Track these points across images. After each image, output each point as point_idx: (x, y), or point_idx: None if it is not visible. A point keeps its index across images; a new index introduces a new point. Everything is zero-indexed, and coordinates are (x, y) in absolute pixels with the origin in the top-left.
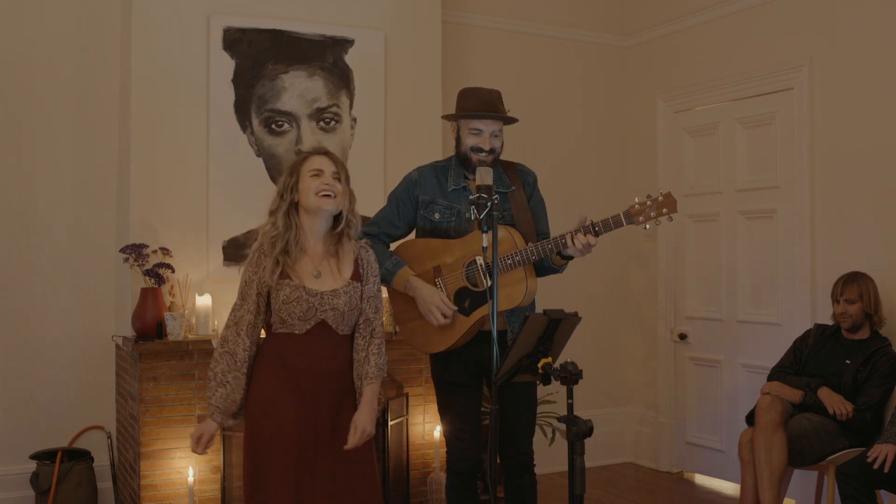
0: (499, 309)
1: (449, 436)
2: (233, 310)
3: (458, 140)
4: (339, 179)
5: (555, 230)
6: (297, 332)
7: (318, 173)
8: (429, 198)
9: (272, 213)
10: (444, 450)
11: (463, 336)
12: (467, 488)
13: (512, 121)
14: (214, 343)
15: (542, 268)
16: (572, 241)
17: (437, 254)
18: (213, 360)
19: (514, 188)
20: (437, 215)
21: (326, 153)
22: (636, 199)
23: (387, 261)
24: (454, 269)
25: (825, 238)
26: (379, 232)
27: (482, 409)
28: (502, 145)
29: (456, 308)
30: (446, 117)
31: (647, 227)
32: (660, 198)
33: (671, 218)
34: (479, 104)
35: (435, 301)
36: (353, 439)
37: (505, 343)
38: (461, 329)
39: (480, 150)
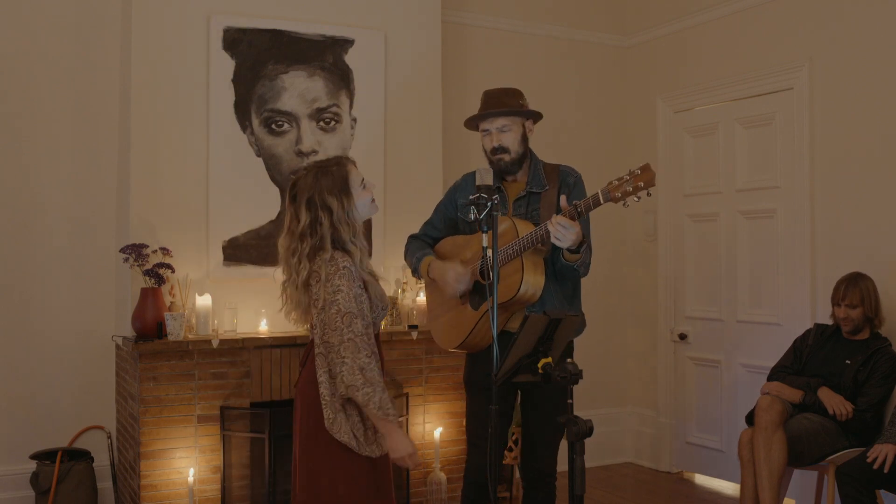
0: (502, 300)
1: (469, 442)
2: (363, 330)
3: (483, 147)
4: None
5: None
6: (380, 328)
7: (366, 183)
8: (465, 200)
9: (351, 241)
10: (444, 450)
11: (477, 330)
12: (481, 497)
13: (522, 114)
14: (215, 343)
15: (564, 268)
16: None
17: (460, 249)
18: (377, 382)
19: (548, 188)
20: (471, 215)
21: (352, 161)
22: (617, 175)
23: (417, 252)
24: (471, 264)
25: (825, 238)
26: (422, 233)
27: (510, 417)
28: (523, 141)
29: (469, 274)
30: (467, 126)
31: (627, 203)
32: (637, 171)
33: (649, 193)
34: (482, 106)
35: (448, 271)
36: None
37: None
38: (471, 323)
39: (494, 149)
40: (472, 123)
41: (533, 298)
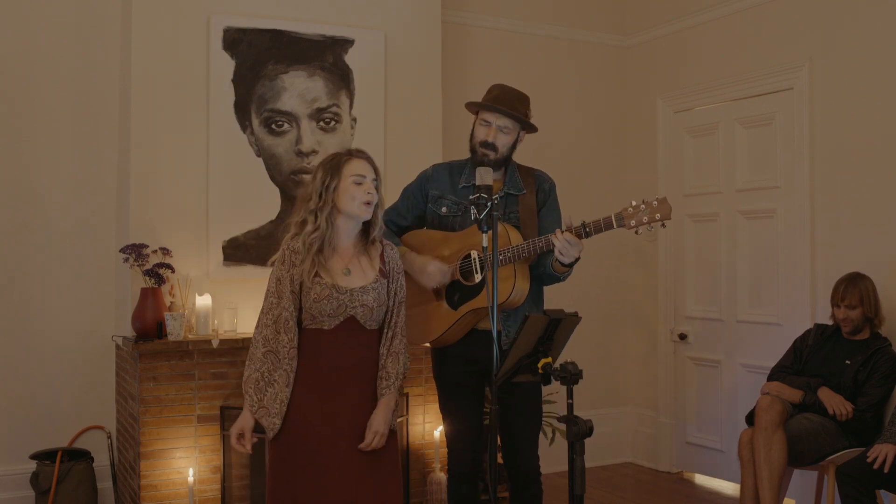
0: (485, 304)
1: (448, 437)
2: (267, 309)
3: (472, 132)
4: (377, 187)
5: None
6: (326, 327)
7: (361, 181)
8: (439, 193)
9: (312, 212)
10: (444, 450)
11: (452, 329)
12: (467, 491)
13: (526, 125)
14: (215, 343)
15: (546, 275)
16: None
17: (436, 245)
18: (254, 359)
19: (525, 192)
20: (444, 209)
21: (367, 157)
22: (631, 202)
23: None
24: (449, 262)
25: (825, 238)
26: (388, 220)
27: (484, 409)
28: (512, 147)
29: (451, 267)
30: (468, 106)
31: (639, 231)
32: (654, 202)
33: (664, 225)
34: (494, 98)
35: (429, 263)
36: (367, 440)
37: (499, 344)
38: (449, 321)
39: (485, 143)
40: (474, 108)
41: (517, 304)
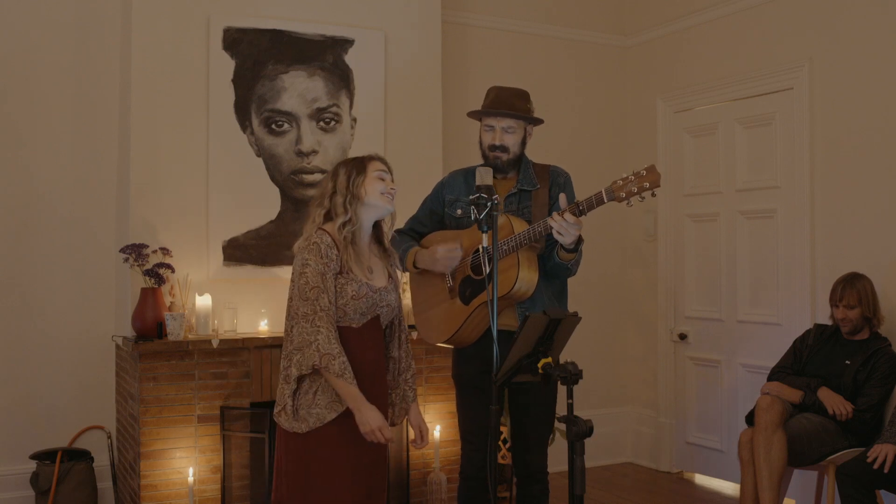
0: (491, 295)
1: (462, 438)
2: (326, 307)
3: (480, 139)
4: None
5: None
6: (354, 325)
7: (384, 176)
8: (454, 196)
9: (341, 205)
10: (444, 450)
11: (467, 325)
12: (477, 493)
13: (529, 120)
14: (215, 343)
15: (555, 265)
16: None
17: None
18: (334, 355)
19: (539, 187)
20: (459, 211)
21: (387, 162)
22: (621, 175)
23: (403, 244)
24: (462, 258)
25: (825, 238)
26: (408, 228)
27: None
28: (523, 143)
29: (460, 249)
30: (471, 115)
31: (631, 203)
32: (643, 172)
33: (654, 193)
34: (491, 101)
35: (437, 249)
36: (429, 438)
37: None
38: (462, 317)
39: (493, 146)
40: (476, 115)
41: (526, 295)
